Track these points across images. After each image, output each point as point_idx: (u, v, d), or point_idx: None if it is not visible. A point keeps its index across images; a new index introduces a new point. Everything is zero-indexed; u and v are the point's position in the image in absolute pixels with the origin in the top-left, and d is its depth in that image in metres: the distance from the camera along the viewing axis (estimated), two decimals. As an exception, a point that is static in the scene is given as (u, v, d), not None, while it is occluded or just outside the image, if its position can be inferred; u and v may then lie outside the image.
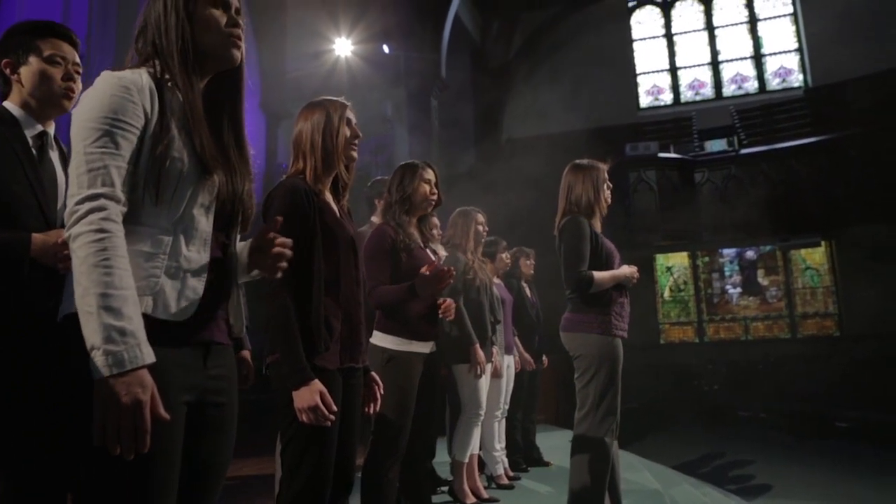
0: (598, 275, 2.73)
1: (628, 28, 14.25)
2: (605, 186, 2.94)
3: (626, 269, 2.83)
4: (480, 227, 3.73)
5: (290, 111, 11.43)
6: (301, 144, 1.95)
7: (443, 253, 3.11)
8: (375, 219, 3.36)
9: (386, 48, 10.68)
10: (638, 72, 14.12)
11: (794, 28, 13.29)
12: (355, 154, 1.98)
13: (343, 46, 10.98)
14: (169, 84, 1.24)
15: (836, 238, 10.19)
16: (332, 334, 1.82)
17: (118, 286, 1.05)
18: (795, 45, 13.20)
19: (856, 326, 10.32)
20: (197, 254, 1.22)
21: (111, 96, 1.15)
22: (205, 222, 1.25)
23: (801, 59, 13.08)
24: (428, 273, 2.37)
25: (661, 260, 11.59)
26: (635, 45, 14.25)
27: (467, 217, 3.72)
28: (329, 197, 1.97)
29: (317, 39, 11.18)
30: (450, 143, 12.25)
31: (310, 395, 1.70)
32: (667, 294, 11.83)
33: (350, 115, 2.00)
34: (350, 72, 11.03)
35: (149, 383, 1.03)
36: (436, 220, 3.92)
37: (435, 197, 2.70)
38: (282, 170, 11.01)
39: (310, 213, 1.82)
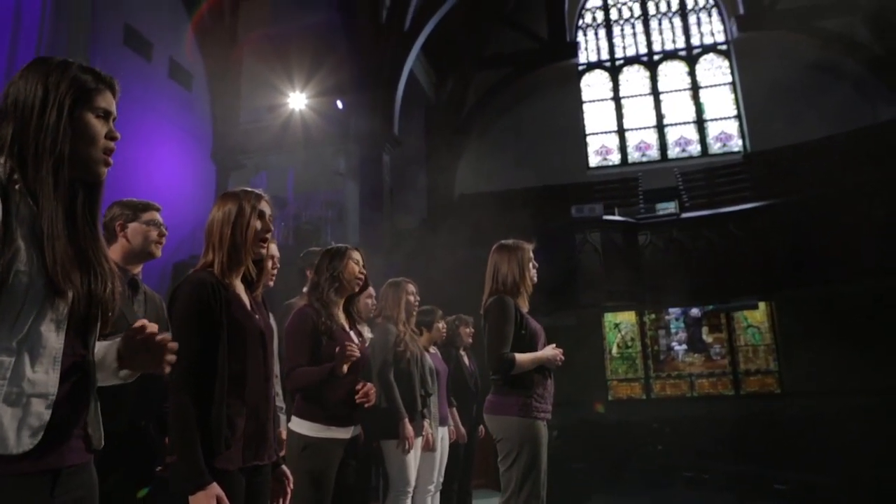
0: (520, 357, 2.75)
1: (578, 90, 14.73)
2: (531, 266, 3.00)
3: (549, 351, 2.86)
4: (411, 298, 3.73)
5: (242, 162, 11.43)
6: (211, 235, 1.94)
7: (368, 335, 3.10)
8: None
9: (339, 104, 10.80)
10: (588, 132, 14.55)
11: (732, 96, 13.98)
12: (264, 250, 1.97)
13: (297, 100, 11.07)
14: (17, 188, 1.15)
15: (774, 299, 10.56)
16: (234, 433, 1.78)
17: None
18: (734, 112, 13.87)
19: (796, 384, 10.60)
20: (44, 374, 1.13)
21: None
22: (55, 339, 1.16)
23: (740, 126, 13.73)
24: (345, 349, 2.36)
25: (610, 317, 11.76)
26: (585, 107, 14.71)
27: (398, 288, 3.72)
28: (240, 288, 1.95)
29: (271, 92, 11.26)
30: (402, 197, 12.35)
31: (206, 501, 1.65)
32: (615, 351, 11.96)
33: (264, 207, 1.99)
34: (304, 125, 11.10)
35: None
36: (371, 291, 3.92)
37: (363, 276, 2.71)
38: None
39: (215, 308, 1.80)
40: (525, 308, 2.97)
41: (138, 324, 1.29)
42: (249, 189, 2.02)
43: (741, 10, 13.42)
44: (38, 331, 1.13)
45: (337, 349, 2.38)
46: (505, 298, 2.86)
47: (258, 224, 1.94)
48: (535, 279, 3.01)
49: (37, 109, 1.18)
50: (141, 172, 9.84)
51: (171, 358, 1.33)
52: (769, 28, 13.07)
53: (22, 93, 1.20)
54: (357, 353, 2.44)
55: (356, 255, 2.71)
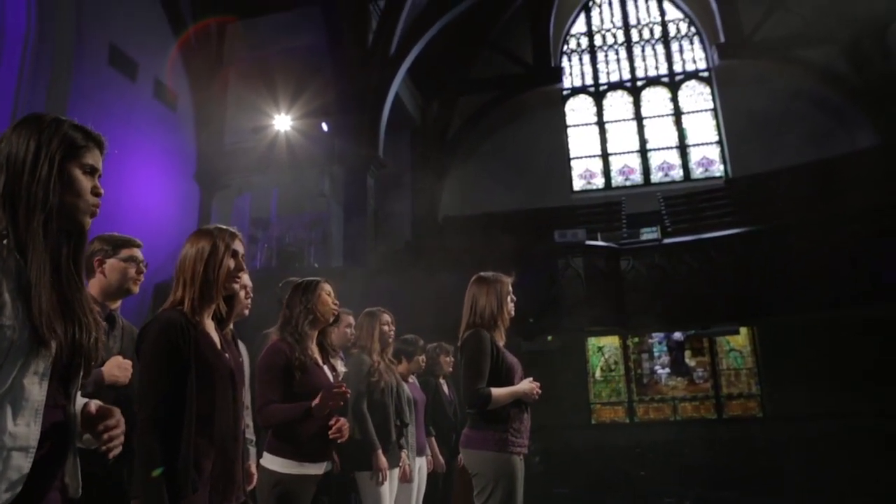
0: (496, 391, 2.75)
1: (563, 114, 14.88)
2: (509, 299, 3.00)
3: (526, 385, 2.86)
4: (386, 328, 3.72)
5: (226, 183, 11.41)
6: (183, 272, 1.93)
7: (341, 368, 3.09)
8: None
9: (324, 126, 10.83)
10: (572, 156, 14.68)
11: (714, 122, 14.19)
12: (237, 287, 1.96)
13: (282, 122, 11.10)
14: (4, 242, 1.18)
15: (755, 325, 10.67)
16: (201, 475, 1.75)
17: None
18: (716, 138, 14.07)
19: (777, 408, 10.67)
20: (25, 427, 1.14)
21: None
22: (37, 391, 1.17)
23: (722, 151, 13.93)
24: (323, 394, 2.35)
25: (593, 340, 11.80)
26: (569, 131, 14.86)
27: (373, 318, 3.72)
28: (210, 326, 1.94)
29: (256, 114, 11.28)
30: (386, 219, 12.36)
31: (171, 546, 1.63)
32: (598, 374, 11.97)
33: (237, 246, 1.98)
34: (289, 147, 11.11)
35: None
36: (350, 319, 3.91)
37: (336, 308, 2.70)
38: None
39: (184, 348, 1.79)
40: (502, 341, 2.97)
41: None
42: (224, 227, 2.02)
43: (722, 39, 13.67)
44: (21, 383, 1.15)
45: (322, 394, 2.36)
46: (481, 332, 2.86)
47: (231, 263, 1.94)
48: (513, 312, 3.01)
49: (28, 164, 1.22)
50: (124, 192, 9.79)
51: (117, 450, 1.33)
52: (749, 56, 13.34)
53: (15, 147, 1.24)
54: (342, 402, 2.42)
55: (328, 288, 2.70)
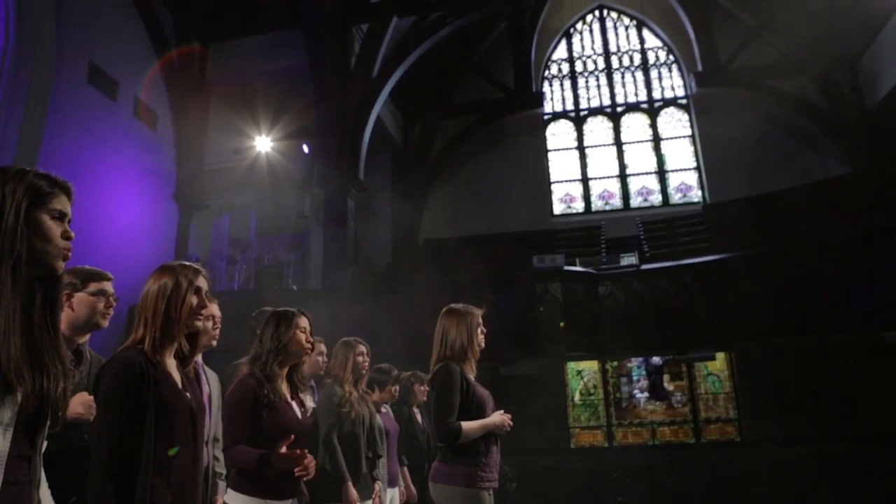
0: (466, 425, 2.73)
1: (544, 139, 15.03)
2: (479, 331, 3.00)
3: (497, 418, 2.85)
4: (360, 359, 3.70)
5: (205, 203, 11.34)
6: (144, 310, 1.90)
7: (310, 404, 3.06)
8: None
9: (305, 148, 10.84)
10: (552, 180, 14.80)
11: (692, 148, 14.42)
12: (199, 324, 1.94)
13: (263, 143, 11.09)
14: None
15: (731, 350, 10.76)
16: (158, 518, 1.72)
17: None
18: (694, 164, 14.28)
19: (755, 432, 10.73)
20: None
21: None
22: (0, 441, 1.15)
23: (700, 177, 14.13)
24: (284, 453, 2.31)
25: (572, 364, 11.81)
26: (550, 155, 14.99)
27: (348, 348, 3.69)
28: (172, 364, 1.92)
29: (237, 134, 11.27)
30: (366, 241, 12.35)
31: None
32: (577, 398, 11.97)
33: (201, 282, 1.97)
34: (270, 167, 11.10)
35: None
36: (322, 347, 3.88)
37: (310, 345, 2.67)
38: (191, 262, 10.81)
39: (143, 389, 1.76)
40: (472, 373, 2.96)
41: None
42: (187, 263, 2.01)
43: (699, 67, 13.93)
44: None
45: (281, 457, 2.31)
46: (451, 366, 2.86)
47: (194, 300, 1.92)
48: (483, 344, 3.01)
49: None
50: (101, 211, 9.71)
51: None
52: (726, 85, 13.60)
53: None
54: (307, 471, 2.37)
55: (303, 323, 2.65)
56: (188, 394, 1.91)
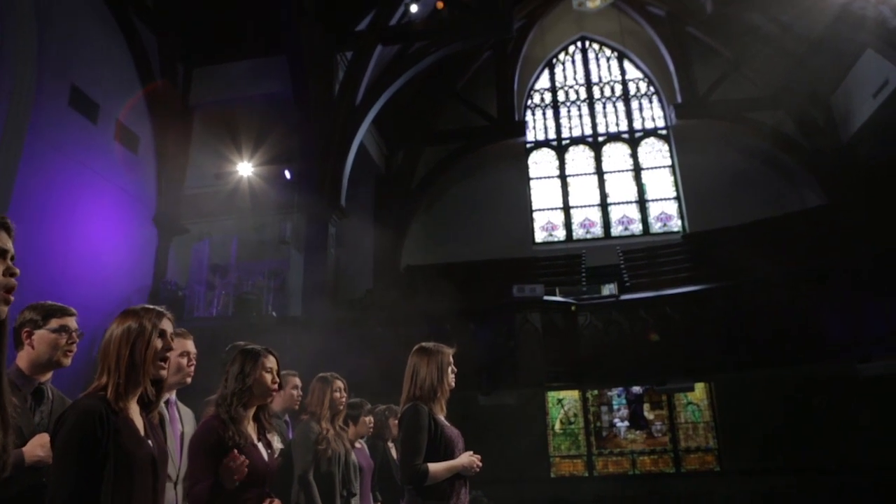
0: (433, 468, 2.71)
1: (526, 167, 15.17)
2: (450, 370, 2.99)
3: (466, 459, 2.83)
4: (338, 395, 3.66)
5: (185, 227, 11.26)
6: (107, 356, 1.87)
7: (277, 445, 3.02)
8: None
9: (287, 173, 10.83)
10: (534, 208, 14.91)
11: (672, 178, 14.61)
12: (164, 372, 1.91)
13: (245, 167, 11.08)
14: None
15: (710, 381, 10.81)
16: (115, 571, 1.68)
17: None
18: (674, 194, 14.47)
19: (734, 462, 10.74)
20: None
21: None
22: None
23: (679, 207, 14.31)
24: (229, 464, 2.26)
25: (553, 393, 11.79)
26: (532, 184, 15.13)
27: (325, 384, 3.66)
28: (135, 411, 1.88)
29: (219, 158, 11.25)
30: (347, 267, 12.31)
31: None
32: (557, 427, 11.93)
33: (166, 326, 1.94)
34: (251, 192, 11.07)
35: None
36: (297, 381, 3.84)
37: (276, 386, 2.62)
38: (169, 287, 10.70)
39: (102, 439, 1.72)
40: (442, 413, 2.95)
41: None
42: (151, 307, 1.98)
43: (679, 99, 14.20)
44: None
45: (222, 469, 2.26)
46: (419, 407, 2.84)
47: (158, 343, 1.89)
48: (453, 384, 2.99)
49: None
50: (78, 234, 9.60)
51: None
52: (705, 117, 13.87)
53: None
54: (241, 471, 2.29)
55: (269, 363, 2.58)
56: (151, 441, 1.87)
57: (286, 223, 10.66)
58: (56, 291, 8.91)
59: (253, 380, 2.49)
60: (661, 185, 14.68)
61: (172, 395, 2.86)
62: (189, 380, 2.88)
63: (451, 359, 3.01)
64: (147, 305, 1.98)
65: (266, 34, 11.43)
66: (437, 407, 2.92)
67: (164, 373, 1.91)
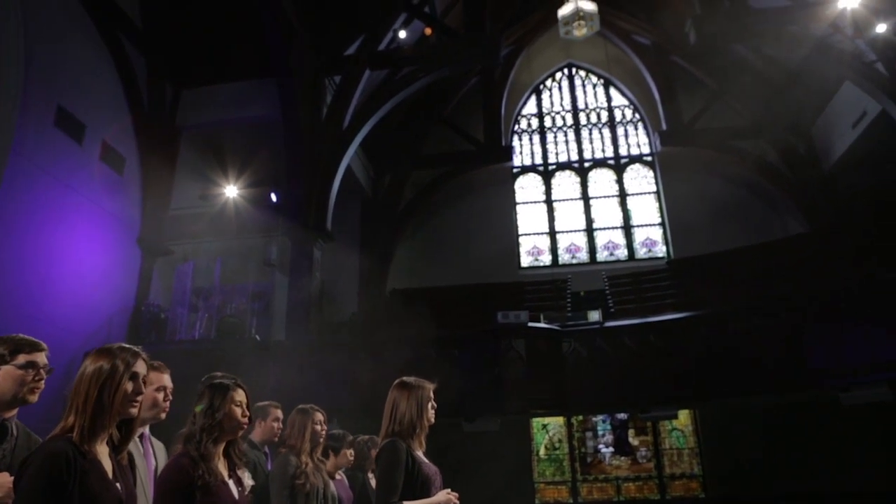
0: (407, 506, 2.69)
1: (512, 192, 15.27)
2: (430, 406, 2.97)
3: (442, 497, 2.80)
4: (318, 427, 3.62)
5: (169, 249, 11.19)
6: (77, 396, 1.84)
7: (248, 482, 2.96)
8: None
9: (273, 196, 10.82)
10: (520, 233, 14.98)
11: (657, 204, 14.75)
12: (134, 411, 1.88)
13: (231, 189, 11.05)
14: None
15: (694, 408, 10.82)
16: None
17: None
18: (659, 220, 14.59)
19: (718, 488, 10.72)
20: None
21: None
22: None
23: (664, 233, 14.42)
24: None
25: (538, 418, 11.74)
26: (518, 208, 15.22)
27: (305, 416, 3.61)
28: (104, 452, 1.85)
29: (205, 180, 11.22)
30: (333, 290, 12.26)
31: None
32: (542, 452, 11.87)
33: (139, 367, 1.91)
34: (237, 214, 11.03)
35: None
36: (278, 413, 3.80)
37: (246, 420, 2.57)
38: (152, 309, 10.59)
39: (68, 483, 1.69)
40: (421, 449, 2.92)
41: None
42: (126, 346, 1.94)
43: (664, 126, 14.38)
44: None
45: None
46: (397, 443, 2.81)
47: (129, 386, 1.86)
48: (433, 420, 2.97)
49: None
50: (60, 255, 9.51)
51: None
52: (689, 144, 14.05)
53: None
54: None
55: (238, 397, 2.51)
56: (119, 484, 1.84)
57: (272, 246, 10.62)
58: (37, 312, 8.84)
59: (222, 414, 2.43)
60: (647, 211, 14.81)
61: (146, 430, 2.81)
62: (164, 415, 2.82)
63: (432, 394, 2.99)
64: (123, 345, 1.95)
65: (255, 57, 11.48)
66: (416, 443, 2.90)
67: (134, 411, 1.87)
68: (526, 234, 14.99)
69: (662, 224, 14.51)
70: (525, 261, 14.74)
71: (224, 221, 10.87)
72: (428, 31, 12.26)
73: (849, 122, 12.02)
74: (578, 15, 11.75)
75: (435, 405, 2.98)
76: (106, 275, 10.35)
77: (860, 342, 7.78)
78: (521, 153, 15.75)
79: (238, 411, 2.47)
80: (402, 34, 11.99)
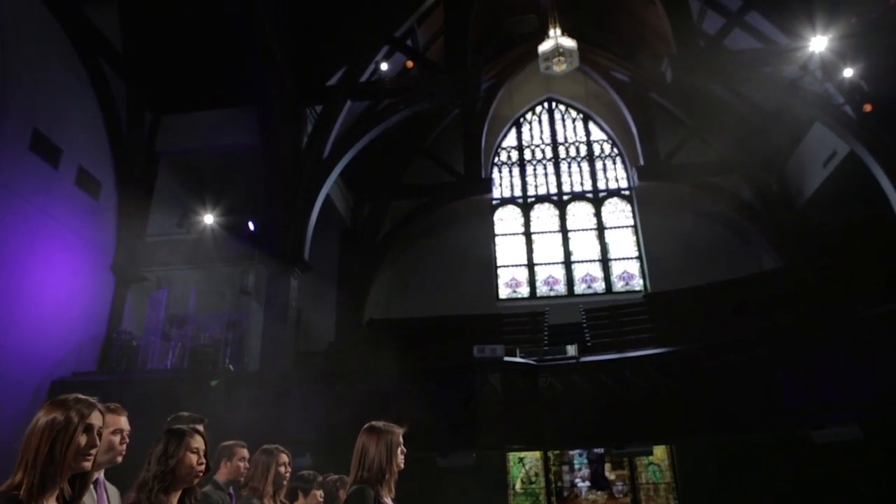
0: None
1: (491, 223, 15.37)
2: (399, 451, 2.93)
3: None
4: (282, 469, 3.54)
5: (143, 275, 11.03)
6: (27, 450, 1.77)
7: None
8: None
9: (251, 225, 10.75)
10: (499, 264, 15.02)
11: (634, 238, 14.90)
12: (88, 465, 1.82)
13: (207, 217, 10.97)
14: None
15: (669, 444, 10.80)
16: None
17: None
18: (636, 254, 14.73)
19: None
20: None
21: None
22: None
23: (641, 266, 14.55)
24: None
25: (514, 452, 11.63)
26: (497, 240, 15.29)
27: (269, 457, 3.53)
28: (53, 505, 1.78)
29: (182, 207, 11.13)
30: (310, 319, 12.14)
31: None
32: (518, 486, 11.74)
33: (94, 420, 1.84)
34: (214, 242, 10.93)
35: None
36: (244, 452, 3.72)
37: (202, 467, 2.50)
38: (124, 336, 10.40)
39: (12, 542, 1.63)
40: (390, 494, 2.87)
41: None
42: (83, 397, 1.88)
43: (641, 161, 14.60)
44: None
45: None
46: (364, 490, 2.76)
47: (83, 440, 1.79)
48: (402, 465, 2.93)
49: None
50: (32, 279, 9.32)
51: None
52: (666, 179, 14.27)
53: None
54: None
55: (195, 443, 2.43)
56: (68, 540, 1.77)
57: (248, 274, 10.52)
58: (2, 339, 8.62)
59: (176, 461, 2.35)
60: (624, 244, 14.96)
61: (101, 475, 2.71)
62: (120, 458, 2.74)
63: (402, 439, 2.96)
64: (79, 396, 1.89)
65: (235, 85, 11.48)
66: (385, 489, 2.85)
67: (87, 465, 1.81)
68: (504, 266, 15.04)
69: (640, 257, 14.65)
70: (503, 292, 14.76)
71: (200, 249, 10.76)
72: (410, 63, 12.38)
73: (819, 160, 12.29)
74: (558, 51, 11.95)
75: (405, 450, 2.95)
76: (78, 301, 10.17)
77: (831, 380, 7.85)
78: (500, 185, 15.89)
79: (194, 458, 2.39)
80: (384, 66, 12.11)
